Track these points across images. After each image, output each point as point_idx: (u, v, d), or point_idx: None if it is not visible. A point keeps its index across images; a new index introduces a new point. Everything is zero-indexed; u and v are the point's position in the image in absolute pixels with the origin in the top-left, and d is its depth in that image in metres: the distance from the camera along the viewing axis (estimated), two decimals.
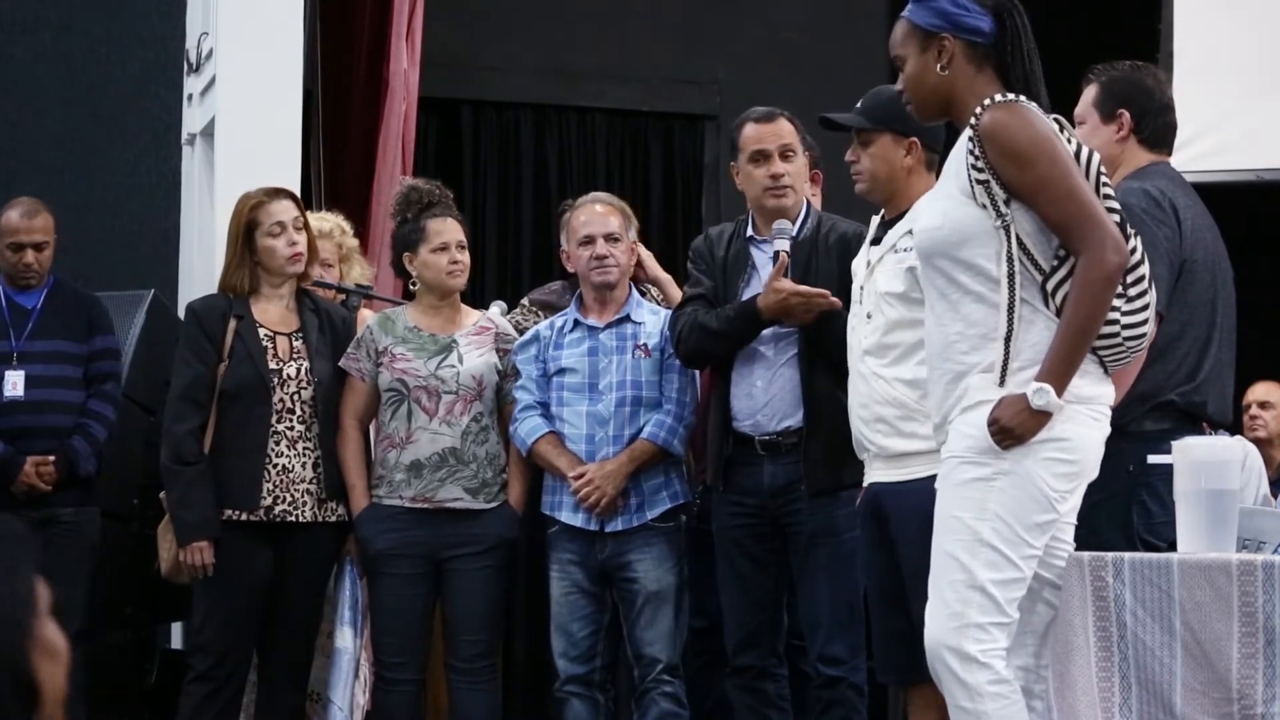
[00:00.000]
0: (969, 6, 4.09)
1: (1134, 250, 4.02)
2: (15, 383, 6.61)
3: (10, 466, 6.51)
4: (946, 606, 3.92)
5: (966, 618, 3.89)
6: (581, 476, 5.64)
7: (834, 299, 5.29)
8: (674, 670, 5.66)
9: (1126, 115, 4.91)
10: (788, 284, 5.34)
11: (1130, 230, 4.04)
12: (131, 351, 7.07)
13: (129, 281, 7.70)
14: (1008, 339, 3.95)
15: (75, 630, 6.48)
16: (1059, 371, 3.90)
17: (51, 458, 6.52)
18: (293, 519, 5.75)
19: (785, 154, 5.50)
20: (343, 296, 6.31)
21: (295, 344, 5.85)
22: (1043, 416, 3.88)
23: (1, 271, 6.79)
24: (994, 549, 3.90)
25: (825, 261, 5.43)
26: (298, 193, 6.30)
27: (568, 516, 5.71)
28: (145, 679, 7.28)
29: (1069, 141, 4.03)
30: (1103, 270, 3.92)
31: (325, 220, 6.49)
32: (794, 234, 5.46)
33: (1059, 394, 3.88)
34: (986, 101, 4.01)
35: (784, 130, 5.52)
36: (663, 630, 5.64)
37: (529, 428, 5.73)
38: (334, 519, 5.81)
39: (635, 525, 5.67)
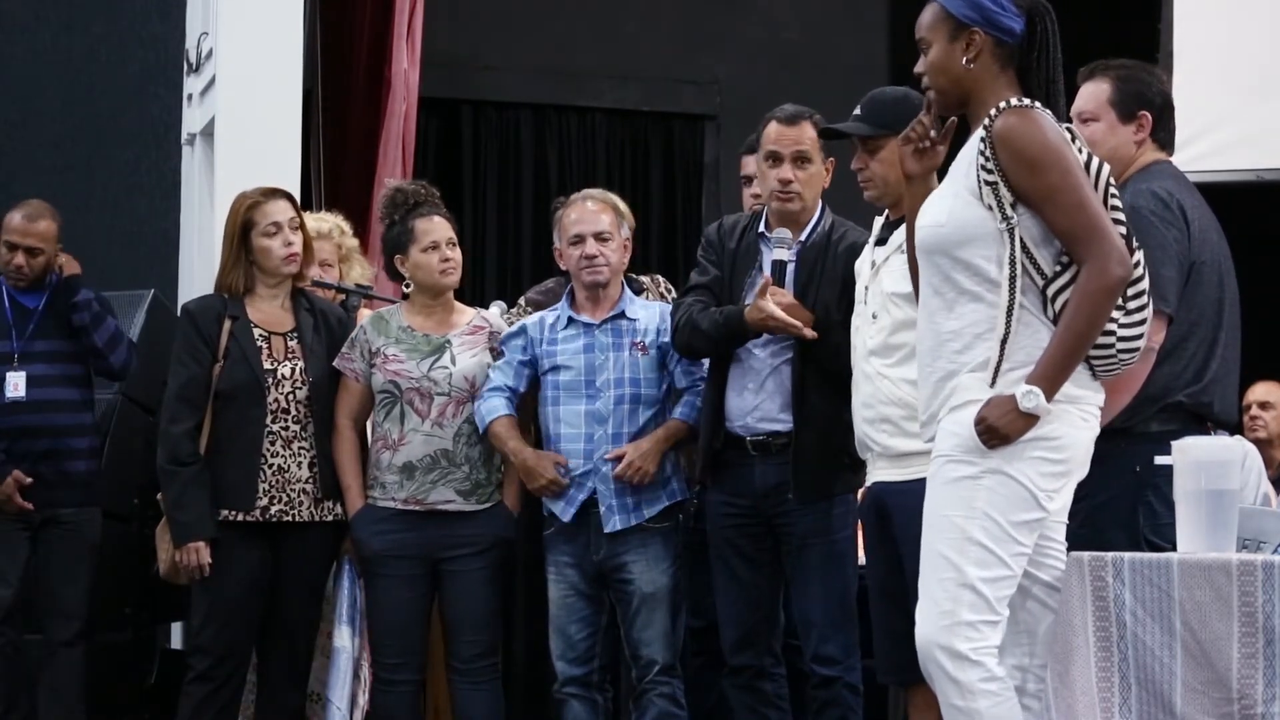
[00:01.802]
0: (1004, 5, 4.08)
1: (1137, 264, 4.03)
2: (17, 384, 6.62)
3: None
4: (937, 605, 3.94)
5: (957, 616, 3.91)
6: (620, 459, 5.60)
7: (810, 331, 5.26)
8: (671, 670, 5.65)
9: (1148, 117, 4.85)
10: (770, 305, 5.30)
11: (1135, 244, 4.04)
12: None
13: (129, 281, 7.71)
14: (1004, 340, 3.95)
15: (75, 630, 6.51)
16: (1051, 376, 3.91)
17: (30, 480, 6.50)
18: (289, 519, 5.74)
19: (799, 160, 5.45)
20: (342, 296, 6.31)
21: (290, 344, 5.84)
22: (1030, 419, 3.90)
23: (3, 272, 6.78)
24: (983, 547, 3.91)
25: (832, 267, 5.40)
26: (297, 193, 6.29)
27: (561, 509, 5.69)
28: (145, 679, 7.28)
29: (1080, 152, 4.03)
30: (1106, 281, 3.93)
31: (325, 220, 6.48)
32: (796, 242, 5.43)
33: (1048, 399, 3.89)
34: (1002, 105, 4.01)
35: (804, 135, 5.45)
36: (659, 631, 5.63)
37: (489, 407, 5.72)
38: (331, 519, 5.80)
39: (633, 524, 5.66)
